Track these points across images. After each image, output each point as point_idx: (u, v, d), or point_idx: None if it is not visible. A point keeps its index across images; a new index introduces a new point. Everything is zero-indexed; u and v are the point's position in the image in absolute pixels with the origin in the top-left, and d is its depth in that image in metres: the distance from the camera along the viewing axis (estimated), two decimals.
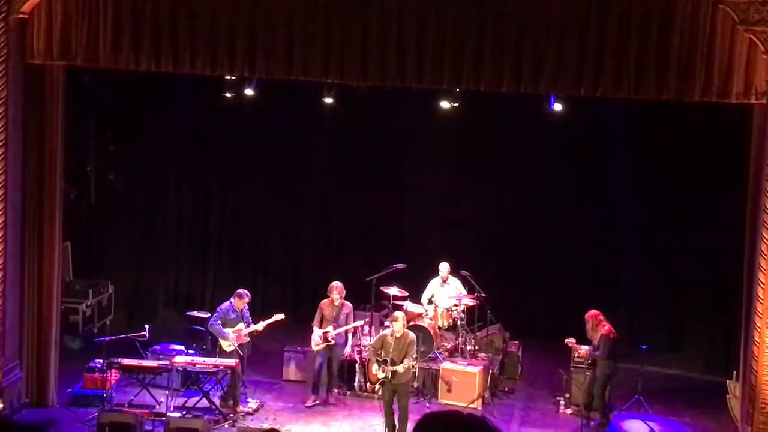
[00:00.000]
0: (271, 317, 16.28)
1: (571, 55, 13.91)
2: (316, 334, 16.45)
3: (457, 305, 17.72)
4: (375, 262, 18.07)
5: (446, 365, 16.91)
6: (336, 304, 16.42)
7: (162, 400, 15.64)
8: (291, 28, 14.34)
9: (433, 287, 18.09)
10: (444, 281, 18.03)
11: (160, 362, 16.11)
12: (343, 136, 20.22)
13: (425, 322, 17.48)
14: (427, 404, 16.41)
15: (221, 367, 15.88)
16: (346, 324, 16.58)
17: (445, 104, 17.47)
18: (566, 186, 19.72)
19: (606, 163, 19.43)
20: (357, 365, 16.98)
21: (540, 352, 18.69)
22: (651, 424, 16.15)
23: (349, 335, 16.79)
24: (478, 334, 17.96)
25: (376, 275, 17.27)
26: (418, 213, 20.15)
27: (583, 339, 16.61)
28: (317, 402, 16.36)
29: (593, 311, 15.86)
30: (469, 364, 16.94)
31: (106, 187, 20.80)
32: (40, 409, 15.54)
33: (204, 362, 16.06)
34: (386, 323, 16.61)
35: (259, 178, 20.72)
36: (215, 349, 16.51)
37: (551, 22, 13.92)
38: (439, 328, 17.83)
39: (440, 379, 16.74)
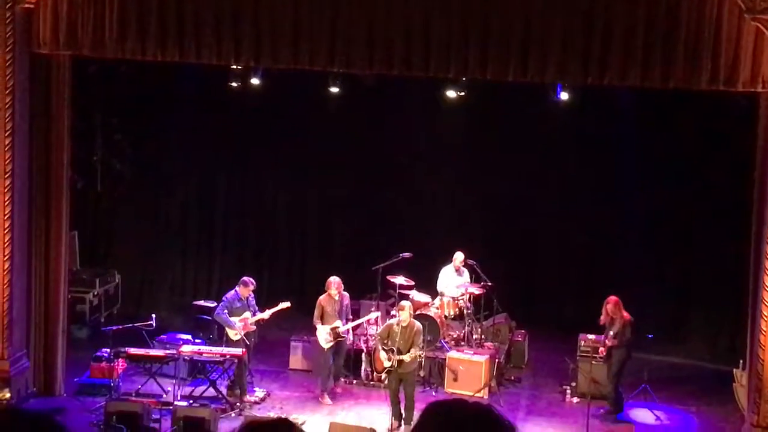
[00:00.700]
0: (276, 306, 16.29)
1: (578, 43, 13.88)
2: (323, 331, 16.25)
3: (463, 294, 17.72)
4: (381, 251, 18.06)
5: (452, 354, 16.92)
6: (336, 299, 16.36)
7: (169, 389, 15.67)
8: (296, 17, 14.32)
9: (447, 276, 18.05)
10: (457, 270, 18.02)
11: (167, 351, 16.15)
12: (349, 125, 20.19)
13: (432, 312, 17.48)
14: (434, 393, 16.42)
15: (228, 357, 15.90)
16: (348, 314, 16.52)
17: (451, 93, 17.45)
18: (572, 175, 19.70)
19: (612, 153, 19.40)
20: (363, 354, 16.99)
21: (546, 341, 18.70)
22: (657, 412, 16.17)
23: (347, 322, 16.64)
24: (484, 323, 17.96)
25: (383, 264, 17.27)
26: (424, 202, 20.14)
27: (586, 328, 16.64)
28: (330, 400, 16.33)
29: (614, 297, 15.69)
30: (475, 354, 16.95)
31: (112, 176, 20.80)
32: (48, 398, 15.57)
33: (211, 351, 16.09)
34: (393, 312, 16.61)
35: (265, 166, 20.71)
36: (222, 339, 16.53)
37: (557, 11, 13.89)
38: (446, 317, 17.84)
39: (446, 368, 16.74)
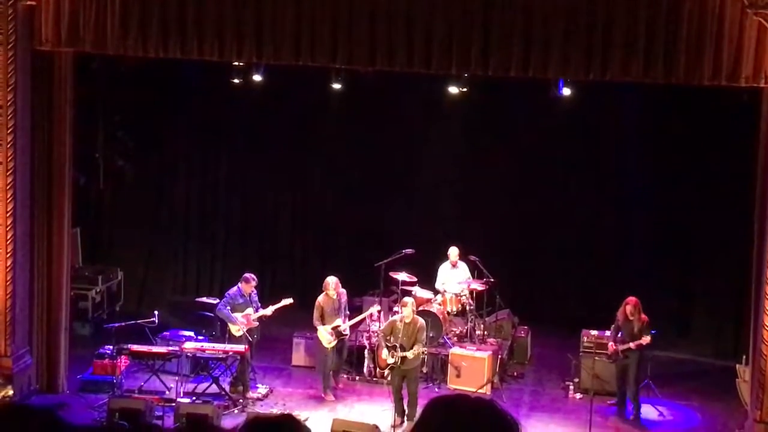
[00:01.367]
0: (279, 302, 16.29)
1: (580, 39, 13.87)
2: (324, 331, 16.21)
3: (464, 290, 17.70)
4: (384, 247, 18.03)
5: (455, 350, 16.91)
6: (334, 298, 16.32)
7: (172, 385, 15.69)
8: (298, 13, 14.31)
9: (443, 272, 18.07)
10: (453, 266, 18.01)
11: (170, 348, 16.15)
12: (351, 122, 20.20)
13: (434, 308, 17.47)
14: (437, 389, 16.42)
15: (230, 353, 15.91)
16: (346, 310, 16.47)
17: (453, 89, 17.42)
18: (575, 171, 19.68)
19: (615, 149, 19.39)
20: (366, 351, 16.99)
21: (549, 337, 18.68)
22: (660, 408, 16.17)
23: (347, 319, 16.59)
24: (487, 319, 17.96)
25: (385, 261, 17.25)
26: (426, 198, 20.12)
27: (589, 324, 16.64)
28: (333, 397, 16.33)
29: (633, 298, 15.52)
30: (478, 350, 16.94)
31: (114, 173, 20.80)
32: (50, 395, 15.59)
33: (213, 348, 16.09)
34: (395, 309, 16.61)
35: (267, 163, 20.70)
36: (224, 335, 16.53)
37: (559, 6, 13.88)
38: (448, 313, 17.83)
39: (449, 365, 16.74)
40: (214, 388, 15.78)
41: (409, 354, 15.00)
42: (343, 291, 16.52)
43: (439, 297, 17.83)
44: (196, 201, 21.21)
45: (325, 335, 16.19)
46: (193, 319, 18.18)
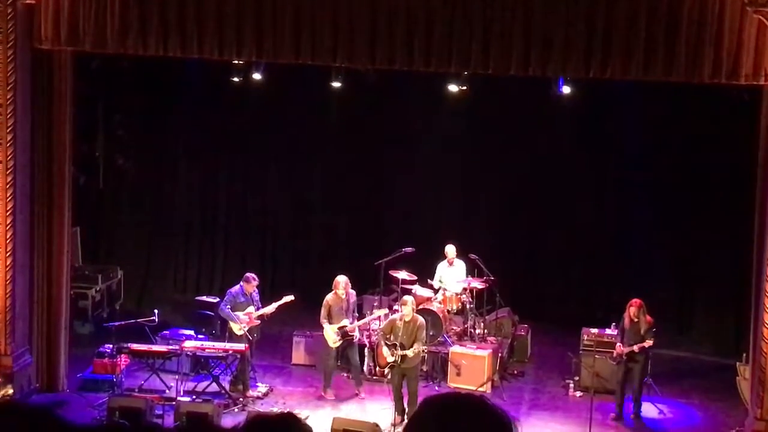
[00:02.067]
0: (281, 299, 16.29)
1: (580, 37, 13.86)
2: (331, 330, 16.16)
3: (466, 289, 17.70)
4: (383, 246, 18.05)
5: (455, 349, 16.91)
6: (343, 297, 16.31)
7: (172, 384, 15.70)
8: (298, 11, 14.30)
9: (440, 270, 18.07)
10: (450, 264, 18.00)
11: (170, 347, 16.15)
12: (351, 120, 20.20)
13: (434, 306, 17.47)
14: (437, 388, 16.41)
15: (230, 352, 15.91)
16: (354, 311, 16.47)
17: (453, 88, 17.41)
18: (575, 170, 19.67)
19: (615, 147, 19.40)
20: (366, 349, 16.98)
21: (549, 335, 18.68)
22: (661, 406, 16.17)
23: (354, 320, 16.59)
24: (487, 317, 17.96)
25: (385, 259, 17.26)
26: (426, 197, 20.12)
27: (589, 322, 16.64)
28: (336, 396, 16.35)
29: (637, 299, 15.39)
30: (478, 348, 16.94)
31: (114, 172, 20.81)
32: (50, 394, 15.59)
33: (213, 347, 16.10)
34: (395, 307, 16.61)
35: (267, 162, 20.72)
36: (224, 334, 16.54)
37: (559, 4, 13.87)
38: (448, 311, 17.83)
39: (449, 363, 16.74)
40: (214, 387, 15.78)
41: (409, 352, 15.00)
42: (353, 292, 16.48)
43: (439, 295, 17.83)
44: (196, 200, 21.21)
45: (330, 334, 16.17)
46: (193, 318, 18.18)
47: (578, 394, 16.50)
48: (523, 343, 18.22)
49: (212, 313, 17.42)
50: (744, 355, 15.60)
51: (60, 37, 14.62)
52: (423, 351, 15.55)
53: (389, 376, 15.49)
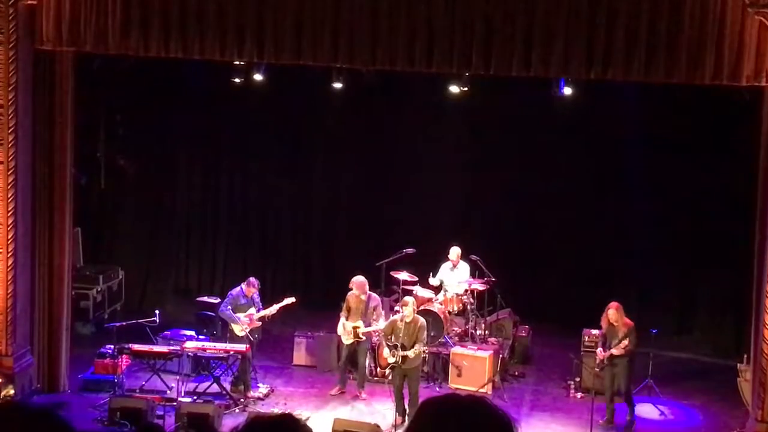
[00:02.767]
0: (282, 300, 16.30)
1: (581, 38, 13.86)
2: (346, 326, 16.26)
3: (467, 290, 17.70)
4: (385, 246, 18.05)
5: (456, 350, 16.91)
6: (362, 298, 16.33)
7: (173, 385, 15.70)
8: (299, 12, 14.30)
9: (444, 272, 18.05)
10: (454, 265, 18.00)
11: (171, 348, 16.16)
12: (352, 122, 20.20)
13: (435, 307, 17.47)
14: (438, 389, 16.41)
15: (232, 353, 15.92)
16: (375, 317, 16.37)
17: (454, 89, 17.41)
18: (576, 171, 19.66)
19: (616, 148, 19.38)
20: (368, 350, 16.96)
21: (550, 336, 18.68)
22: (661, 407, 16.17)
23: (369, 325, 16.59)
24: (488, 318, 17.96)
25: (386, 260, 17.27)
26: (427, 197, 20.10)
27: (590, 323, 16.62)
28: (342, 391, 16.36)
29: (615, 302, 15.27)
30: (479, 349, 16.94)
31: (116, 172, 20.80)
32: (52, 394, 15.59)
33: (214, 347, 16.10)
34: (396, 308, 16.61)
35: (268, 163, 20.70)
36: (225, 335, 16.54)
37: (560, 5, 13.87)
38: (449, 312, 17.83)
39: (450, 364, 16.74)
40: (215, 388, 15.78)
41: (410, 353, 15.00)
42: (375, 297, 16.44)
43: (440, 296, 17.83)
44: (197, 200, 21.21)
45: (341, 330, 16.29)
46: (194, 319, 18.18)
47: (579, 395, 16.50)
48: (524, 344, 18.22)
49: (213, 314, 17.42)
50: (745, 356, 15.59)
51: (61, 38, 14.62)
52: (424, 352, 15.56)
53: (390, 377, 15.49)
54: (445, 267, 18.07)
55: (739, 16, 13.42)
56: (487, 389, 16.36)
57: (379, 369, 16.68)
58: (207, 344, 16.31)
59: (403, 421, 15.02)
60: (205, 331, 17.47)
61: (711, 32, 13.50)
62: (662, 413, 16.06)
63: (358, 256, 18.85)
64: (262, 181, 20.88)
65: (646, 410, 16.01)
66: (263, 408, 15.48)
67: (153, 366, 16.01)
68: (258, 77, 17.50)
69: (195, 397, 15.42)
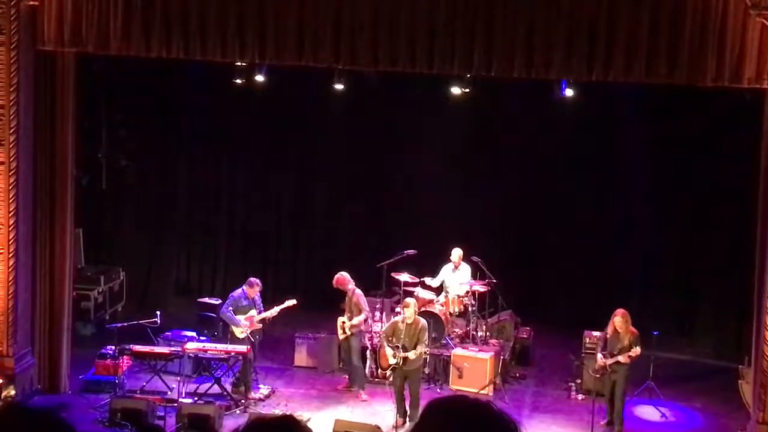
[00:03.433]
0: (283, 302, 16.31)
1: (582, 40, 13.86)
2: (338, 322, 16.66)
3: (468, 292, 17.69)
4: (386, 248, 18.04)
5: (457, 351, 16.91)
6: (348, 294, 16.44)
7: (174, 386, 15.70)
8: (301, 13, 14.31)
9: (445, 273, 18.05)
10: (456, 267, 17.99)
11: (172, 349, 16.16)
12: (354, 123, 20.20)
13: (436, 309, 17.47)
14: (439, 390, 16.41)
15: (233, 354, 15.91)
16: (356, 311, 16.50)
17: (455, 90, 17.39)
18: (577, 172, 19.66)
19: (618, 150, 19.37)
20: (368, 352, 16.98)
21: (551, 337, 18.67)
22: (662, 409, 16.16)
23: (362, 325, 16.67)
24: (489, 320, 17.96)
25: (387, 262, 17.26)
26: (428, 199, 20.09)
27: (591, 325, 16.63)
28: (348, 387, 16.50)
29: (622, 309, 15.11)
30: (480, 350, 16.94)
31: (117, 173, 20.80)
32: (52, 395, 15.59)
33: (215, 348, 16.10)
34: (397, 309, 16.61)
35: (269, 163, 20.70)
36: (226, 336, 16.54)
37: (562, 7, 13.87)
38: (450, 314, 17.83)
39: (451, 366, 16.74)
40: (216, 389, 15.78)
41: (411, 354, 15.00)
42: (356, 292, 16.53)
43: (441, 297, 17.83)
44: (198, 201, 21.22)
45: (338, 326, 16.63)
46: (195, 320, 18.18)
47: (580, 396, 16.50)
48: (525, 345, 18.21)
49: (214, 315, 17.42)
50: (746, 358, 15.60)
51: (63, 39, 14.63)
52: (425, 353, 15.56)
53: (391, 379, 15.49)
54: (446, 268, 18.06)
55: (741, 18, 13.42)
56: (488, 391, 16.36)
57: (380, 370, 16.68)
58: (208, 345, 16.31)
59: (404, 422, 15.03)
60: (206, 332, 17.48)
61: (712, 34, 13.50)
62: (663, 415, 16.06)
63: (360, 258, 18.85)
64: (264, 182, 20.87)
65: (647, 412, 16.01)
66: (264, 409, 15.48)
67: (154, 367, 16.01)
68: (259, 78, 17.49)
69: (196, 398, 15.42)
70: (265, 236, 21.22)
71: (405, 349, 15.03)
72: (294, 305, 16.34)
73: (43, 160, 15.25)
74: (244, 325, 16.05)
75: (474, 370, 16.58)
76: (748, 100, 15.00)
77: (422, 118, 19.84)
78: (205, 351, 16.09)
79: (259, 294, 16.37)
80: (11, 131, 14.58)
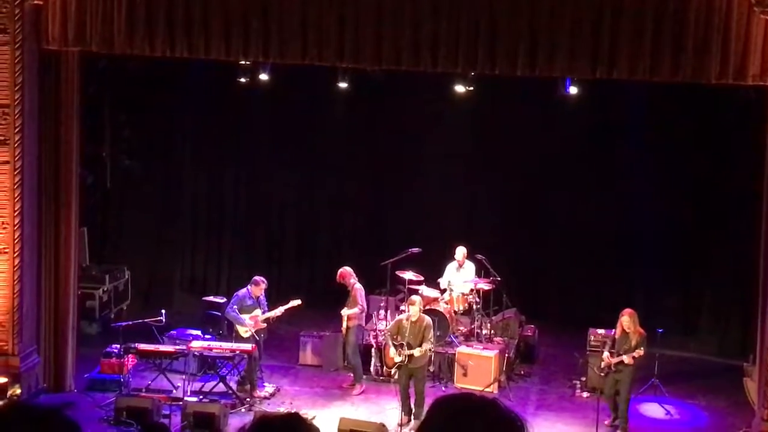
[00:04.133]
0: (288, 302, 16.31)
1: (586, 37, 13.86)
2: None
3: (473, 290, 17.69)
4: (390, 246, 18.04)
5: (462, 349, 16.91)
6: (349, 289, 16.52)
7: (179, 384, 15.70)
8: (305, 12, 14.32)
9: (449, 271, 18.06)
10: (460, 265, 18.00)
11: (177, 347, 16.17)
12: (358, 121, 20.21)
13: (441, 307, 17.47)
14: (443, 388, 16.42)
15: (238, 352, 15.92)
16: (353, 306, 16.57)
17: (459, 88, 17.39)
18: (581, 170, 19.64)
19: (622, 147, 19.35)
20: (373, 350, 17.00)
21: (556, 335, 18.68)
22: (667, 407, 16.16)
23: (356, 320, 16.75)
24: (493, 318, 17.94)
25: (392, 260, 17.25)
26: (433, 197, 20.08)
27: (596, 323, 16.62)
28: (352, 384, 16.59)
29: (629, 309, 15.08)
30: (484, 348, 16.94)
31: (121, 172, 20.81)
32: (58, 394, 15.61)
33: (220, 347, 16.10)
34: (402, 308, 16.62)
35: (273, 163, 20.70)
36: (231, 334, 16.55)
37: (566, 5, 13.87)
38: (455, 312, 17.83)
39: (456, 363, 16.74)
40: (221, 387, 15.79)
41: (416, 352, 15.00)
42: (356, 287, 16.62)
43: (446, 296, 17.82)
44: (203, 200, 21.23)
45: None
46: (200, 318, 18.19)
47: (585, 394, 16.49)
48: (530, 343, 18.21)
49: (219, 314, 17.43)
50: (750, 355, 15.58)
51: (67, 38, 14.65)
52: (430, 351, 15.57)
53: (396, 377, 15.49)
54: (450, 267, 18.06)
55: (745, 16, 13.42)
56: (493, 388, 16.35)
57: (385, 368, 16.70)
58: (213, 344, 16.32)
59: (409, 420, 15.03)
60: (211, 330, 17.48)
61: (717, 31, 13.50)
62: (668, 413, 16.05)
63: (364, 256, 18.84)
64: (268, 181, 20.87)
65: (652, 410, 16.00)
66: (269, 407, 15.49)
67: (159, 365, 16.03)
68: (263, 77, 17.50)
69: (201, 397, 15.44)
70: (270, 234, 21.23)
71: (410, 347, 15.03)
72: (299, 305, 16.35)
73: (48, 160, 15.26)
74: (248, 324, 16.06)
75: (479, 368, 16.58)
76: (753, 96, 14.99)
77: (426, 117, 19.83)
78: (210, 349, 16.11)
79: (263, 293, 16.38)
80: (16, 130, 14.60)
